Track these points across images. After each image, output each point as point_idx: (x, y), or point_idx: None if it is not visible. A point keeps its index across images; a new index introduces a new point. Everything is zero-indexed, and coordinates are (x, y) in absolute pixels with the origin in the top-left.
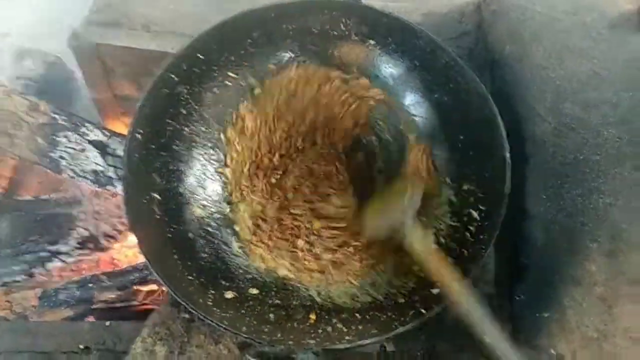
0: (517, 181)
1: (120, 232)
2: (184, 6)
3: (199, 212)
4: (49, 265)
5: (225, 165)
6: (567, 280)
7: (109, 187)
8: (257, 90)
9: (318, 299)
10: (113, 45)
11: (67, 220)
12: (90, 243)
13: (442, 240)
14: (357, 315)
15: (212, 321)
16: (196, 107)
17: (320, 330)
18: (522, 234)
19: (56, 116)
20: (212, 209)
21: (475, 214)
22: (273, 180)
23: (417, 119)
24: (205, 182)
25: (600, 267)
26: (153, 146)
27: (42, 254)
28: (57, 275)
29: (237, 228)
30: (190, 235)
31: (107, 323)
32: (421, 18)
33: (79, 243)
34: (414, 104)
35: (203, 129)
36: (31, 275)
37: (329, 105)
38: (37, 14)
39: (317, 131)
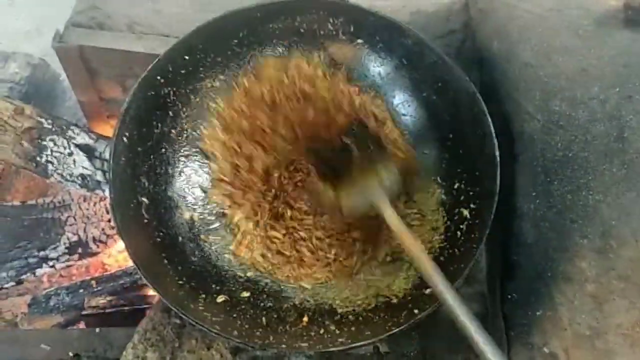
0: (506, 179)
1: (109, 236)
2: (169, 7)
3: (188, 215)
4: (38, 271)
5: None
6: (558, 277)
7: (97, 191)
8: (240, 90)
9: (310, 301)
10: (97, 47)
11: (55, 225)
12: (80, 248)
13: (434, 239)
14: (350, 317)
15: (203, 326)
16: (183, 108)
17: (312, 333)
18: (513, 232)
19: (42, 120)
20: (202, 212)
21: (466, 213)
22: (262, 184)
23: (406, 117)
24: (194, 184)
25: (590, 263)
26: (140, 149)
27: (31, 260)
28: (46, 282)
29: (227, 230)
30: (180, 239)
31: (97, 330)
32: (409, 17)
33: (67, 248)
34: (403, 103)
35: (190, 131)
36: (20, 282)
37: (314, 101)
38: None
39: (303, 127)
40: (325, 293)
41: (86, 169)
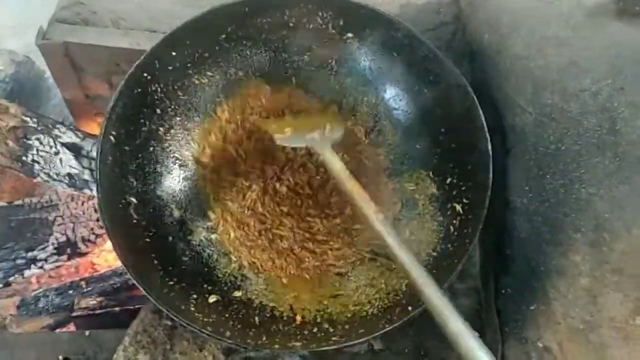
0: (499, 173)
1: (99, 235)
2: (156, 2)
3: (177, 214)
4: (27, 272)
5: (202, 164)
6: (552, 271)
7: (85, 190)
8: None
9: (304, 300)
10: (82, 44)
11: (43, 226)
12: (69, 248)
13: (428, 234)
14: (344, 315)
15: (194, 328)
16: (171, 105)
17: (306, 332)
18: (506, 226)
19: (27, 119)
20: (192, 210)
21: (458, 208)
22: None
23: (397, 112)
24: (183, 182)
25: (584, 257)
26: (127, 148)
27: (19, 261)
28: (35, 283)
29: (218, 229)
30: (170, 238)
31: (87, 332)
32: (399, 9)
33: (56, 249)
34: (394, 97)
35: (179, 128)
36: (8, 284)
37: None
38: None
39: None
40: (319, 291)
41: (73, 168)
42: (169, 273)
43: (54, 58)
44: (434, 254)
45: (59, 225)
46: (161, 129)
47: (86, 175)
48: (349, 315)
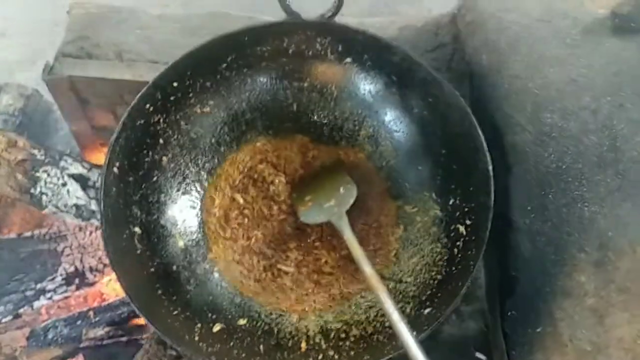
0: (501, 193)
1: (106, 265)
2: (157, 33)
3: (182, 243)
4: (36, 304)
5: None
6: (557, 292)
7: (92, 220)
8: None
9: (308, 326)
10: (87, 77)
11: (51, 257)
12: (77, 278)
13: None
14: (348, 341)
15: (199, 358)
16: (174, 135)
17: (311, 359)
18: (510, 247)
19: (34, 152)
20: (196, 239)
21: (462, 229)
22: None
23: (398, 134)
24: (187, 211)
25: (589, 277)
26: (131, 179)
27: (28, 292)
28: (44, 314)
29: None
30: (174, 267)
31: None
32: (397, 32)
33: (65, 279)
34: (394, 120)
35: (182, 157)
36: (19, 316)
37: None
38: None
39: None
40: (323, 318)
41: (80, 198)
42: (173, 303)
43: (60, 92)
44: (439, 277)
45: (67, 255)
46: (164, 158)
47: (93, 206)
48: (353, 341)
